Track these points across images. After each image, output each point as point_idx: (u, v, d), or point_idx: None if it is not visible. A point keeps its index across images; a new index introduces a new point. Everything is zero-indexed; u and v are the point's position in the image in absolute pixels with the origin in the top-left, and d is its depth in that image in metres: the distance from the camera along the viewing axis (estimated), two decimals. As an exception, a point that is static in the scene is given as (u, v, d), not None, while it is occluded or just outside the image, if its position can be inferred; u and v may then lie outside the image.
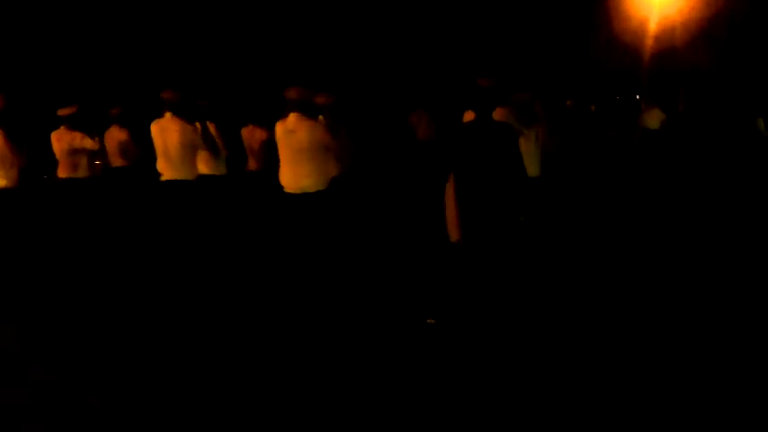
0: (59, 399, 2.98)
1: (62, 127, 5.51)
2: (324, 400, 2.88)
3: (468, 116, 4.86)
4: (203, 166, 5.22)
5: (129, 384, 3.11)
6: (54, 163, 5.66)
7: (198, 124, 4.94)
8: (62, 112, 5.49)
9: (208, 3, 9.46)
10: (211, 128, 5.32)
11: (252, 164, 5.83)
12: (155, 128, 4.74)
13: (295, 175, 4.32)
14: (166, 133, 4.68)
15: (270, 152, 5.04)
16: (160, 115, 4.74)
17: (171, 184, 4.73)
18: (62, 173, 5.63)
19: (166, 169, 4.73)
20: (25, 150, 4.81)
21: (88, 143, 5.50)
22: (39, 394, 3.04)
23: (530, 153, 5.01)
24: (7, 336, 3.83)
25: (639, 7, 9.86)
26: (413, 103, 7.96)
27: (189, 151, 4.78)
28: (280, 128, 4.38)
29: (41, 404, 2.95)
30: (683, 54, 9.51)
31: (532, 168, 5.05)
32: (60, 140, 5.52)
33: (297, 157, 4.30)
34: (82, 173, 5.63)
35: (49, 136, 5.57)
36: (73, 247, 5.33)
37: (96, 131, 5.68)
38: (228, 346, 3.54)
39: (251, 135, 5.75)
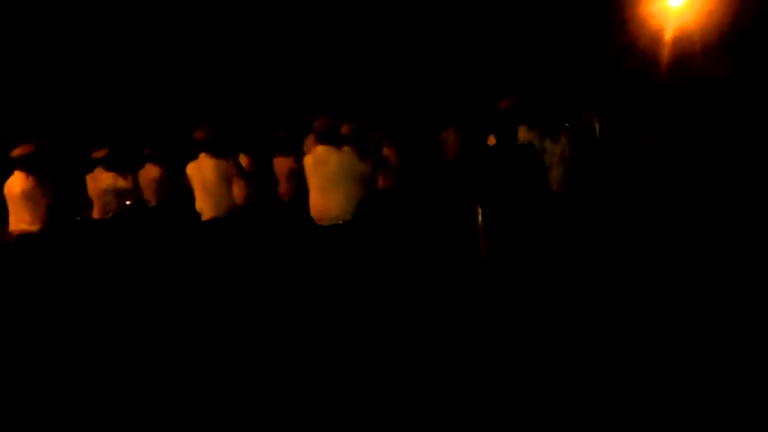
0: None
1: (97, 169, 5.63)
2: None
3: (493, 139, 4.91)
4: (239, 199, 5.21)
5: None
6: (90, 205, 5.76)
7: (231, 159, 4.96)
8: (96, 154, 5.63)
9: (235, 35, 9.66)
10: (244, 159, 5.38)
11: (283, 192, 5.92)
12: (191, 169, 4.82)
13: (326, 203, 4.36)
14: (203, 172, 4.75)
15: (301, 180, 5.10)
16: (194, 156, 4.82)
17: (211, 222, 4.77)
18: (96, 214, 5.72)
19: (207, 208, 4.78)
20: (52, 192, 4.90)
21: (121, 183, 5.59)
22: None
23: (558, 170, 5.03)
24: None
25: (656, 15, 9.85)
26: (443, 121, 8.01)
27: (227, 186, 4.84)
28: (309, 160, 4.45)
29: None
30: (700, 62, 9.44)
31: (561, 184, 5.07)
32: (94, 182, 5.65)
33: (327, 185, 4.34)
34: (114, 213, 5.71)
35: (85, 179, 5.70)
36: (106, 288, 5.36)
37: (130, 171, 5.77)
38: (258, 379, 3.56)
39: (282, 165, 5.84)
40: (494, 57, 9.86)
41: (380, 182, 5.77)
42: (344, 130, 4.83)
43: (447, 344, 3.82)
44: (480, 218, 3.66)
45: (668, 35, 9.88)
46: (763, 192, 6.71)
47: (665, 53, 9.99)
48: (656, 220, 6.66)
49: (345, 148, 4.61)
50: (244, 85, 9.69)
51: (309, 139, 5.05)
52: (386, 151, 5.90)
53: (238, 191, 5.20)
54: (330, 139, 4.38)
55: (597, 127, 9.96)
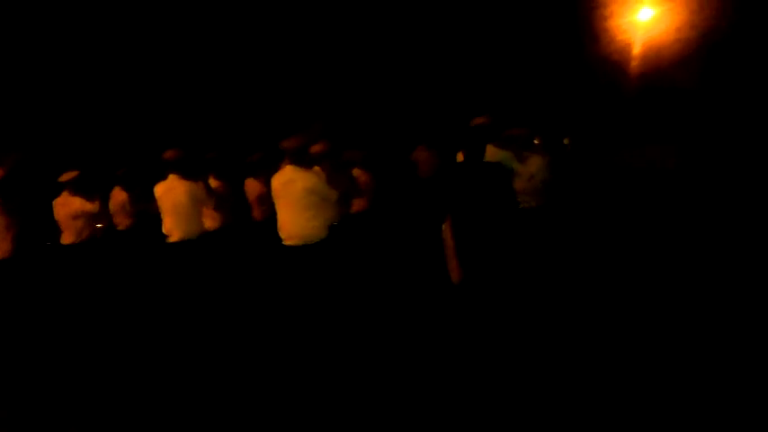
0: None
1: (64, 193, 5.50)
2: None
3: (461, 156, 4.90)
4: (208, 222, 5.22)
5: None
6: (58, 230, 5.62)
7: (201, 182, 4.93)
8: (63, 178, 5.50)
9: (207, 57, 9.62)
10: (216, 182, 5.33)
11: (256, 214, 5.85)
12: (159, 190, 4.75)
13: (295, 223, 4.31)
14: (173, 193, 4.70)
15: (272, 202, 5.06)
16: (163, 177, 4.76)
17: (179, 244, 4.71)
18: (65, 239, 5.60)
19: (175, 230, 4.72)
20: (20, 219, 4.81)
21: (88, 207, 5.48)
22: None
23: (529, 187, 5.04)
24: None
25: (624, 29, 10.00)
26: (416, 139, 8.01)
27: (196, 208, 4.79)
28: (276, 180, 4.41)
29: None
30: (669, 74, 9.58)
31: (533, 201, 5.08)
32: (62, 206, 5.50)
33: (296, 206, 4.30)
34: (84, 237, 5.57)
35: (52, 204, 5.55)
36: (75, 314, 5.27)
37: (98, 194, 5.67)
38: (233, 401, 3.51)
39: (254, 187, 5.79)
40: (465, 75, 9.93)
41: (353, 204, 5.73)
42: (316, 149, 4.80)
43: (423, 365, 3.79)
44: (448, 237, 3.62)
45: (637, 48, 10.03)
46: (730, 192, 6.82)
47: (636, 66, 10.13)
48: (629, 231, 6.72)
49: (315, 169, 4.58)
50: (215, 106, 9.64)
51: (285, 163, 5.03)
52: (358, 172, 5.87)
53: (208, 214, 5.17)
54: (300, 159, 4.35)
55: (570, 141, 10.04)
